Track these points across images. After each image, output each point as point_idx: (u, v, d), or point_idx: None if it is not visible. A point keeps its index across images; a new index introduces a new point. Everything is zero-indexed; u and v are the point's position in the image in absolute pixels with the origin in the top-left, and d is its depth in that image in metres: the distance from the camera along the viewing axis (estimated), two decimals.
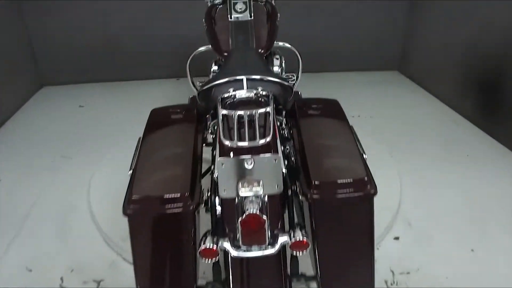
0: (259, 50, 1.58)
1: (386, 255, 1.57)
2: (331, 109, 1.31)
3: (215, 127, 1.31)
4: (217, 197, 0.96)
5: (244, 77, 1.17)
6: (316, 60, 3.43)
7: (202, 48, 2.01)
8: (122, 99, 3.07)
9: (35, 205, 1.90)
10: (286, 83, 1.21)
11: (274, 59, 1.86)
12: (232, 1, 1.71)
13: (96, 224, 1.73)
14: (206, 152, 1.28)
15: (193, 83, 2.12)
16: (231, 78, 1.17)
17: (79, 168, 2.17)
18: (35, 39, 3.12)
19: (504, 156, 2.27)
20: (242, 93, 1.19)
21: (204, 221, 1.01)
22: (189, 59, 2.06)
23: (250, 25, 1.65)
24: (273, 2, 1.98)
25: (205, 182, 1.09)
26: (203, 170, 1.19)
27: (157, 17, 3.16)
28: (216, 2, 1.80)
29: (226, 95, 1.19)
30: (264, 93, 1.21)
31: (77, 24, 3.10)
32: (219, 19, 1.74)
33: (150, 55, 3.33)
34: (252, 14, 1.68)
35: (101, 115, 2.81)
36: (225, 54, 1.54)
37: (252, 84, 1.21)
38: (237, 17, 1.68)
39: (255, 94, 1.20)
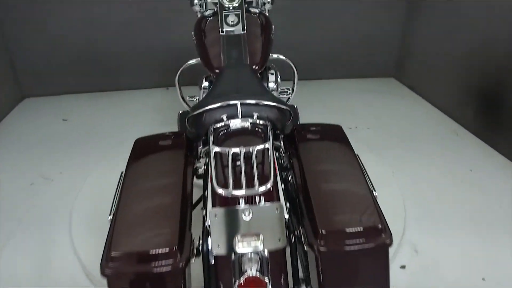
0: (253, 67, 1.46)
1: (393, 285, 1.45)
2: (335, 137, 1.20)
3: (207, 161, 1.19)
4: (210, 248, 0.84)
5: (238, 102, 1.06)
6: (309, 67, 3.33)
7: (192, 61, 1.90)
8: (108, 111, 2.92)
9: (9, 239, 1.73)
10: (284, 107, 1.10)
11: (269, 74, 1.74)
12: (224, 13, 1.59)
13: (79, 261, 1.58)
14: (198, 186, 1.16)
15: (183, 98, 2.00)
16: (224, 103, 1.05)
17: (60, 192, 2.02)
18: (14, 48, 2.96)
19: (508, 170, 2.18)
20: (236, 123, 1.07)
21: (196, 272, 0.88)
22: (178, 72, 1.94)
23: (243, 39, 1.53)
24: (267, 13, 1.87)
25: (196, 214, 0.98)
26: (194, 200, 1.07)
27: (144, 24, 3.02)
28: (207, 13, 1.68)
29: (218, 125, 1.07)
30: (261, 121, 1.09)
31: (59, 32, 2.95)
32: (210, 32, 1.62)
33: (137, 63, 3.19)
34: (245, 27, 1.56)
35: (85, 130, 2.66)
36: (217, 71, 1.42)
37: (247, 109, 1.09)
38: (229, 31, 1.57)
39: (251, 124, 1.08)
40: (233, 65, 1.43)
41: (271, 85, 1.69)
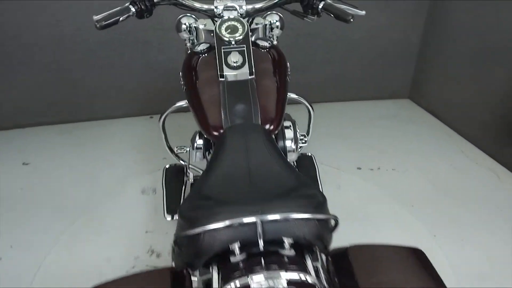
0: (268, 127, 1.03)
1: None
2: (416, 271, 0.75)
3: None
4: None
5: (257, 220, 0.68)
6: (318, 88, 2.91)
7: (181, 103, 1.46)
8: (80, 148, 2.42)
9: None
10: (330, 216, 0.74)
11: (285, 130, 1.31)
12: (223, 50, 1.15)
13: None
14: None
15: (170, 148, 1.57)
16: (234, 222, 0.68)
17: (11, 278, 1.54)
18: None
19: None
20: (254, 251, 0.71)
21: None
22: (163, 117, 1.52)
23: (252, 88, 1.10)
24: (275, 41, 1.43)
25: None
26: None
27: (123, 42, 2.54)
28: (199, 48, 1.22)
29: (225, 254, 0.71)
30: (291, 251, 0.69)
31: (21, 52, 2.44)
32: (204, 76, 1.18)
33: (115, 88, 2.70)
34: (253, 70, 1.12)
35: (50, 177, 2.16)
36: (215, 133, 1.05)
37: (271, 227, 0.71)
38: (232, 75, 1.12)
39: (276, 253, 0.71)
40: (239, 128, 1.02)
41: (289, 143, 1.25)
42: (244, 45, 1.15)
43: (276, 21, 1.40)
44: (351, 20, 1.12)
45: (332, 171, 2.16)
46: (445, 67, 2.71)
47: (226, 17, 1.20)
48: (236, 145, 0.97)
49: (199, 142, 1.25)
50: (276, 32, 1.43)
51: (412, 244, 0.78)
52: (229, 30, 1.17)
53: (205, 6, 1.23)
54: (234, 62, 1.11)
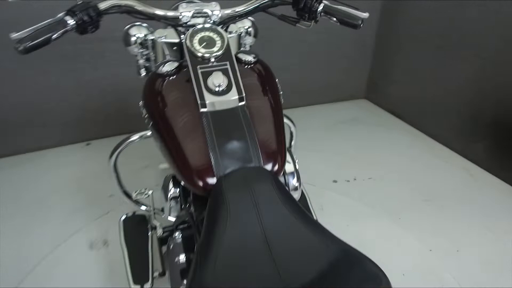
0: (271, 168, 0.83)
1: None
2: None
3: None
4: None
5: None
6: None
7: (135, 137, 1.18)
8: (4, 192, 1.96)
9: None
10: None
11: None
12: (200, 70, 0.88)
13: None
14: None
15: (126, 194, 1.27)
16: None
17: None
18: None
19: None
20: None
21: None
22: (114, 155, 1.22)
23: (245, 117, 0.85)
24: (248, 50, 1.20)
25: None
26: None
27: (47, 60, 2.11)
28: (165, 69, 0.93)
29: None
30: None
31: None
32: (177, 104, 0.90)
33: (44, 114, 2.26)
34: (243, 91, 0.87)
35: None
36: (206, 186, 0.79)
37: None
38: (216, 103, 0.86)
39: None
40: (239, 176, 0.79)
41: (292, 182, 1.02)
42: (227, 62, 0.89)
43: (249, 27, 1.16)
44: (361, 25, 0.91)
45: (309, 189, 1.95)
46: (402, 66, 2.66)
47: (199, 26, 0.93)
48: (239, 201, 0.72)
49: (174, 190, 0.97)
50: (249, 40, 1.19)
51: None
52: (204, 44, 0.90)
53: (170, 13, 0.95)
54: (217, 86, 0.84)
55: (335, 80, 2.89)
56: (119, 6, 0.89)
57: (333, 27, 0.96)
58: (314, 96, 2.89)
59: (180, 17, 0.95)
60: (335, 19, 0.92)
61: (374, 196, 1.92)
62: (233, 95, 0.84)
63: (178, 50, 1.06)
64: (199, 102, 0.83)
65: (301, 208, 0.73)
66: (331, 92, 2.94)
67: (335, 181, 2.03)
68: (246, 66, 0.97)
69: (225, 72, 0.87)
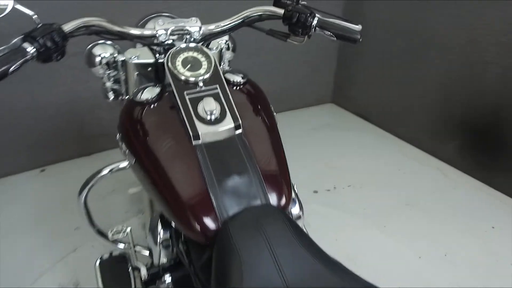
0: (278, 203, 0.73)
1: None
2: None
3: None
4: None
5: None
6: None
7: (106, 171, 1.06)
8: None
9: None
10: None
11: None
12: (188, 97, 0.77)
13: None
14: None
15: (99, 231, 1.13)
16: None
17: None
18: None
19: None
20: None
21: None
22: (85, 191, 1.08)
23: (244, 147, 0.76)
24: (227, 65, 1.12)
25: None
26: None
27: None
28: (144, 96, 0.81)
29: None
30: None
31: None
32: (164, 136, 0.79)
33: None
34: (239, 118, 0.77)
35: None
36: (208, 233, 0.68)
37: None
38: (210, 134, 0.76)
39: None
40: (248, 219, 0.67)
41: (295, 211, 0.92)
42: (217, 85, 0.79)
43: (227, 41, 1.07)
44: (360, 39, 0.84)
45: None
46: (367, 68, 2.67)
47: (182, 46, 0.82)
48: (253, 249, 0.62)
49: (165, 233, 0.85)
50: (228, 55, 1.10)
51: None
52: (189, 65, 0.80)
53: (147, 32, 0.83)
54: (209, 114, 0.74)
55: (300, 85, 2.85)
56: (87, 26, 0.76)
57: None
58: (281, 103, 2.82)
59: (157, 35, 0.84)
60: (330, 33, 0.85)
61: (357, 204, 1.88)
62: (229, 123, 0.74)
63: (153, 71, 0.94)
64: (191, 134, 0.72)
65: (316, 245, 0.65)
66: (298, 98, 2.89)
67: (315, 192, 1.98)
68: (235, 88, 0.88)
69: (216, 98, 0.76)
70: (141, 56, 0.92)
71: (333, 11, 0.88)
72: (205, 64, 0.80)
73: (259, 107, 0.87)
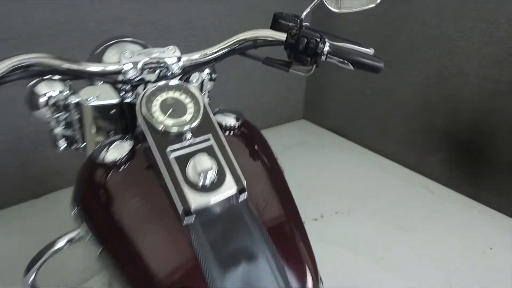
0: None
1: None
2: None
3: None
4: None
5: None
6: None
7: (61, 243, 0.82)
8: None
9: None
10: None
11: None
12: (173, 155, 0.56)
13: None
14: None
15: None
16: None
17: None
18: None
19: None
20: None
21: None
22: (33, 269, 0.89)
23: (253, 220, 0.55)
24: (206, 95, 0.93)
25: None
26: None
27: None
28: (110, 158, 0.59)
29: None
30: None
31: None
32: (138, 210, 0.56)
33: None
34: (242, 178, 0.56)
35: None
36: None
37: None
38: (205, 204, 0.55)
39: None
40: None
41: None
42: (209, 135, 0.59)
43: (209, 72, 0.88)
44: (383, 69, 0.68)
45: None
46: (339, 82, 2.57)
47: (160, 84, 0.62)
48: None
49: None
50: (208, 86, 0.91)
51: None
52: (170, 111, 0.60)
53: (110, 68, 0.62)
54: (204, 177, 0.54)
55: (271, 103, 2.70)
56: (24, 67, 0.54)
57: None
58: (253, 122, 2.66)
59: (123, 71, 0.63)
60: (345, 61, 0.68)
61: (348, 234, 1.73)
62: (230, 187, 0.55)
63: (118, 114, 0.73)
64: (180, 208, 0.52)
65: None
66: (269, 116, 2.74)
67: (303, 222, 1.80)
68: (229, 133, 0.68)
69: (211, 153, 0.57)
70: (102, 96, 0.70)
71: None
72: (190, 107, 0.61)
73: (261, 156, 0.68)
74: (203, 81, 0.83)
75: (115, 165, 0.58)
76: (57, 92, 0.73)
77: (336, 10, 0.74)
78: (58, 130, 0.81)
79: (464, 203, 1.96)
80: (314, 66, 0.71)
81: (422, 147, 2.15)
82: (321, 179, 2.15)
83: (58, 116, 0.77)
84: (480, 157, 1.90)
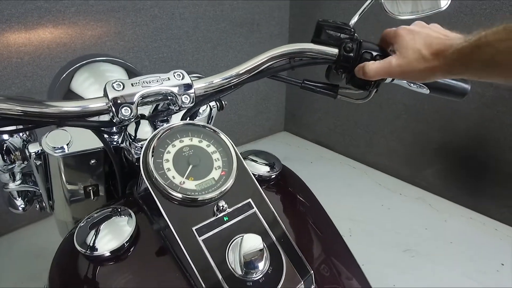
0: None
1: None
2: None
3: None
4: None
5: None
6: None
7: None
8: None
9: None
10: None
11: None
12: (200, 238, 0.35)
13: None
14: None
15: None
16: None
17: None
18: None
19: None
20: None
21: None
22: None
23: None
24: (211, 121, 0.73)
25: None
26: None
27: None
28: (102, 250, 0.38)
29: None
30: None
31: None
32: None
33: None
34: (310, 269, 0.37)
35: None
36: None
37: None
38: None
39: None
40: None
41: None
42: (249, 200, 0.40)
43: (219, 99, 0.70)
44: (469, 92, 0.52)
45: None
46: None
47: (175, 126, 0.42)
48: None
49: None
50: (214, 112, 0.72)
51: None
52: (190, 168, 0.40)
53: (92, 106, 0.41)
54: (254, 268, 0.35)
55: (251, 116, 2.52)
56: None
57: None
58: (233, 138, 2.46)
59: (111, 110, 0.42)
60: (421, 84, 0.51)
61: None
62: (292, 278, 0.36)
63: (99, 162, 0.52)
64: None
65: None
66: (250, 130, 2.55)
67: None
68: (266, 187, 0.49)
69: (257, 229, 0.37)
70: (76, 142, 0.49)
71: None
72: (218, 161, 0.41)
73: (312, 214, 0.51)
74: (211, 109, 0.64)
75: (109, 259, 0.37)
76: (5, 136, 0.52)
77: (397, 15, 0.57)
78: (13, 186, 0.59)
79: (464, 214, 1.86)
80: (375, 90, 0.53)
81: (418, 158, 2.03)
82: (317, 197, 1.99)
83: (11, 168, 0.56)
84: (477, 167, 1.81)
